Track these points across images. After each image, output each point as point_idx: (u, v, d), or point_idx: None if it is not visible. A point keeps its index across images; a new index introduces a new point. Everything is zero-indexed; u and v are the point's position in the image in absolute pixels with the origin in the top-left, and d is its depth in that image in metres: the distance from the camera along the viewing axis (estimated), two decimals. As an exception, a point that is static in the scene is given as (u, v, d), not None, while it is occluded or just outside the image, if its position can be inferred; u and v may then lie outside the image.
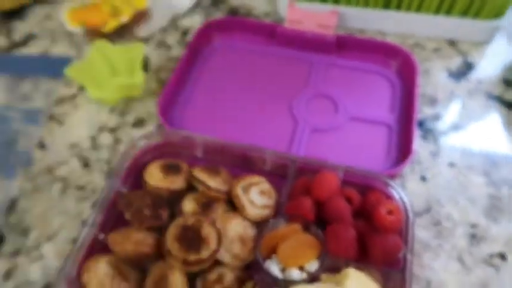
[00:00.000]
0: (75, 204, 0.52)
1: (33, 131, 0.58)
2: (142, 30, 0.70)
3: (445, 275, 0.46)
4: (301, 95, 0.61)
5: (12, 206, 0.52)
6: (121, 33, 0.69)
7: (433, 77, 0.64)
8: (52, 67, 0.66)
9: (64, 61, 0.66)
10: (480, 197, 0.52)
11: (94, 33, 0.67)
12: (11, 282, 0.47)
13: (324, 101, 0.60)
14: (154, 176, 0.48)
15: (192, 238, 0.42)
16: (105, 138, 0.58)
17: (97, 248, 0.45)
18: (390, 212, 0.42)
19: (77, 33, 0.67)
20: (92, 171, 0.55)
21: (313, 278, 0.41)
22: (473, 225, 0.50)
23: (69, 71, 0.59)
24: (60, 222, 0.51)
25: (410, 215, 0.43)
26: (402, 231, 0.43)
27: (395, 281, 0.41)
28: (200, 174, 0.47)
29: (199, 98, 0.61)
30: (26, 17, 0.74)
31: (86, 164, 0.56)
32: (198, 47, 0.66)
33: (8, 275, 0.47)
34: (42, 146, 0.57)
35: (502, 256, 0.48)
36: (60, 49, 0.69)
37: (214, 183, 0.47)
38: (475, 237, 0.49)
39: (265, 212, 0.47)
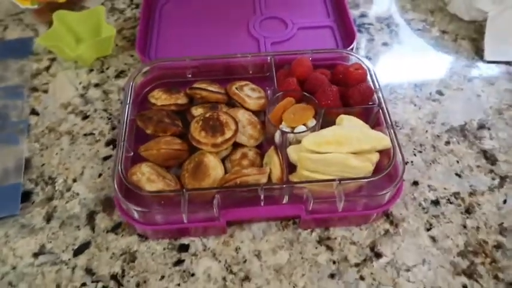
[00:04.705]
0: (89, 147, 0.57)
1: (20, 103, 0.61)
2: (91, 1, 0.74)
3: (405, 115, 0.60)
4: (253, 20, 0.71)
5: (28, 165, 0.55)
6: (71, 5, 0.72)
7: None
8: (15, 49, 0.67)
9: (25, 41, 0.68)
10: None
11: (48, 7, 0.70)
12: (54, 222, 0.50)
13: (274, 21, 0.71)
14: (160, 98, 0.55)
15: (214, 125, 0.49)
16: (94, 93, 0.63)
17: (131, 164, 0.51)
18: (357, 69, 0.54)
19: (28, 15, 0.70)
20: (93, 120, 0.59)
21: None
22: (415, 84, 0.64)
23: (41, 40, 0.62)
24: (82, 165, 0.55)
25: (372, 68, 0.56)
26: (369, 82, 0.55)
27: (375, 114, 0.52)
28: (200, 84, 0.55)
29: (168, 35, 0.69)
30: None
31: (85, 116, 0.60)
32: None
33: (49, 217, 0.51)
34: (35, 113, 0.60)
35: (440, 92, 0.63)
36: (15, 34, 0.71)
37: (214, 88, 0.55)
38: (417, 86, 0.63)
39: (262, 101, 0.56)
